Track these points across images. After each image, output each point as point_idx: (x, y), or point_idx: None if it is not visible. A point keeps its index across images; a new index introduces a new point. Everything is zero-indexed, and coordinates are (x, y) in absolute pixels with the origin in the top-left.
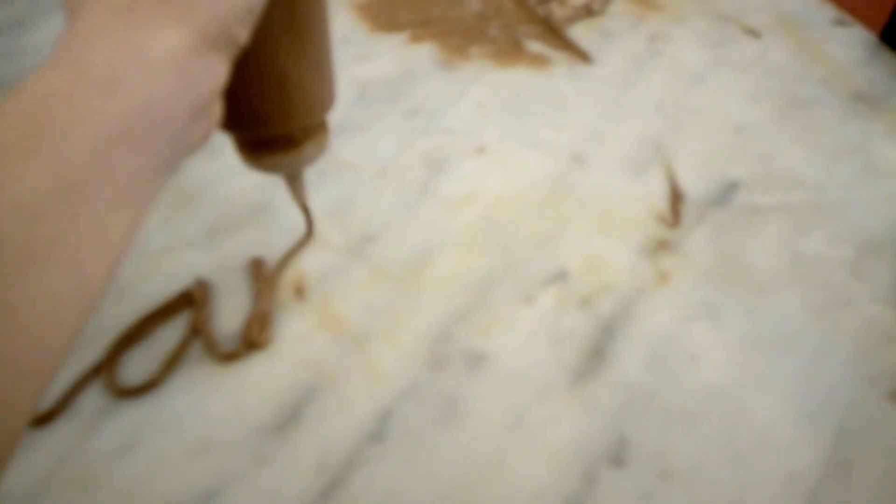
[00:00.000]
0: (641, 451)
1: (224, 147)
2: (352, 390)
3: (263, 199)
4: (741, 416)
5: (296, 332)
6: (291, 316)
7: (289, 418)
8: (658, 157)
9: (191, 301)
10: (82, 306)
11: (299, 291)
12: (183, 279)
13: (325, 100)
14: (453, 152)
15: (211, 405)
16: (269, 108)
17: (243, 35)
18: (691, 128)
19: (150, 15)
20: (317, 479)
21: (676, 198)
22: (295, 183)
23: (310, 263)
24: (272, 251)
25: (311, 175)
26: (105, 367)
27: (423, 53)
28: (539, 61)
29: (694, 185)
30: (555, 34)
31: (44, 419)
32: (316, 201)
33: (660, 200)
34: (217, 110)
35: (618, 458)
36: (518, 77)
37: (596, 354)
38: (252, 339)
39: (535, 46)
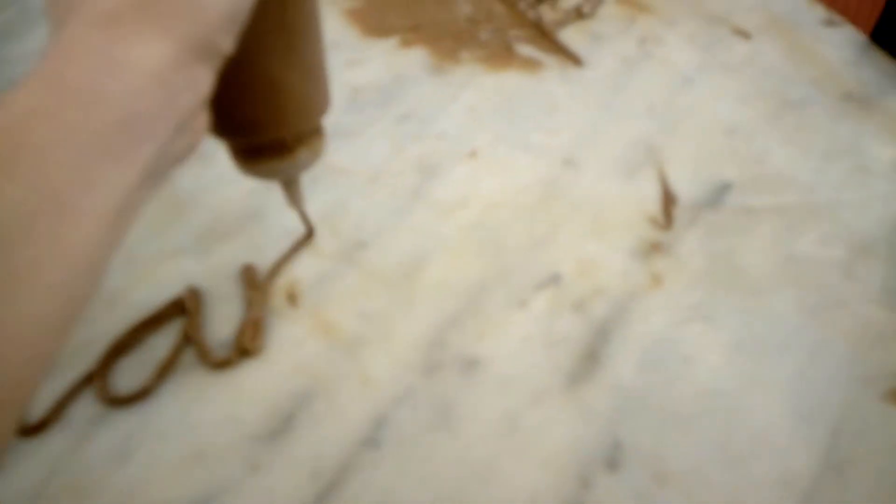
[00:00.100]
0: (636, 455)
1: (215, 154)
2: (345, 396)
3: (255, 206)
4: (736, 418)
5: (289, 339)
6: (284, 322)
7: (282, 425)
8: (650, 160)
9: (183, 309)
10: (63, 324)
11: (292, 298)
12: (175, 287)
13: (319, 105)
14: (445, 157)
15: (204, 412)
16: (262, 115)
17: (227, 44)
18: (683, 130)
19: (131, 28)
20: (311, 485)
21: (669, 200)
22: (291, 188)
23: (302, 270)
24: (264, 258)
25: (304, 180)
26: (97, 376)
27: (414, 58)
28: (530, 65)
29: (686, 187)
30: (546, 38)
31: (36, 428)
32: (308, 207)
33: (652, 203)
34: (203, 121)
35: (613, 461)
36: (509, 81)
37: (590, 358)
38: (245, 346)
39: (526, 50)
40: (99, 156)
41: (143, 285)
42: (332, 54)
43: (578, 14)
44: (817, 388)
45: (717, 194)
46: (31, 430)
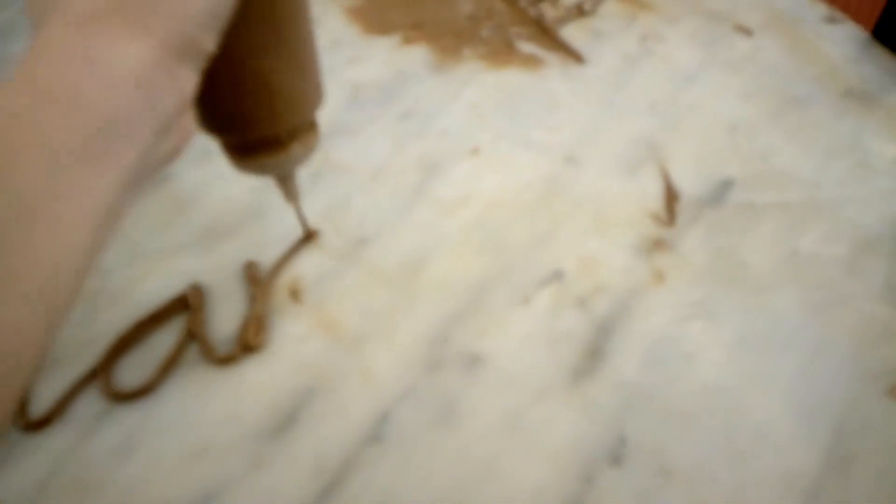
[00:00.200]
0: (640, 451)
1: (217, 151)
2: (349, 393)
3: (257, 203)
4: (739, 415)
5: (292, 335)
6: (287, 319)
7: (286, 421)
8: (652, 157)
9: (186, 305)
10: (42, 332)
11: (295, 294)
12: (178, 284)
13: (310, 99)
14: (447, 154)
15: (207, 408)
16: (252, 111)
17: (209, 42)
18: (685, 127)
19: (109, 28)
20: (314, 481)
21: (671, 197)
22: (287, 184)
23: (305, 266)
24: (266, 255)
25: (305, 178)
26: (101, 372)
27: (416, 56)
28: (531, 62)
29: (688, 184)
30: (547, 35)
31: (40, 424)
32: (310, 204)
33: (654, 200)
34: (188, 122)
35: (616, 458)
36: (511, 78)
37: (593, 355)
38: (248, 343)
39: (527, 47)
40: (76, 161)
41: (147, 282)
42: (333, 52)
43: (579, 11)
44: (820, 385)
45: (720, 191)
46: (35, 426)
